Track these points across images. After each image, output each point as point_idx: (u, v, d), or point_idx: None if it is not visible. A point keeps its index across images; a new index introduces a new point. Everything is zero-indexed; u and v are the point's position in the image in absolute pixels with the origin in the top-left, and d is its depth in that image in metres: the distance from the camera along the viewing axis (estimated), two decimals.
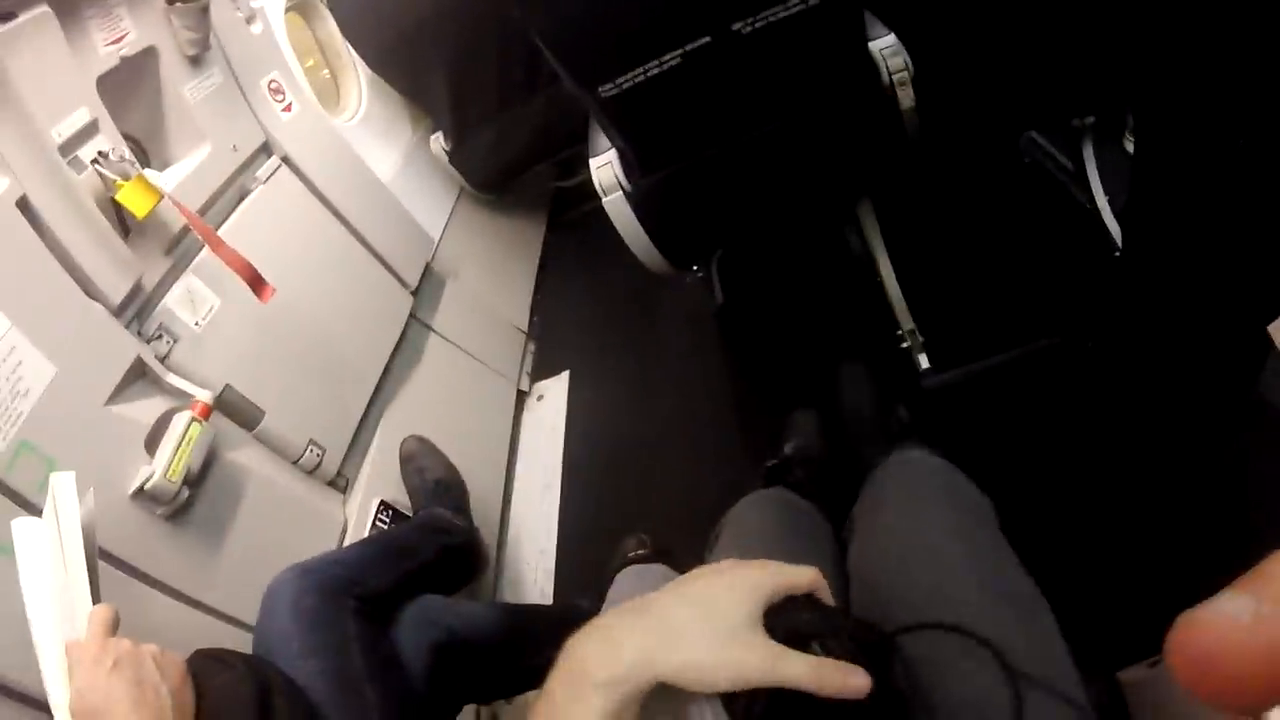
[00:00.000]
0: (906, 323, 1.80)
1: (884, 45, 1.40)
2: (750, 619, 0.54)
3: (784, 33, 1.26)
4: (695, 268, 2.25)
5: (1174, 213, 1.36)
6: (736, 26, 1.25)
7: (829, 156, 1.54)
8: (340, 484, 1.65)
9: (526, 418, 2.31)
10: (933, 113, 1.47)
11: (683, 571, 0.64)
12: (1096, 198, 1.88)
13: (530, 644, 1.46)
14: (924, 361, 1.77)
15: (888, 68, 1.40)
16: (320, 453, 1.59)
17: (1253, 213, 1.20)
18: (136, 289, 1.31)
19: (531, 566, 1.90)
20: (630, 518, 1.82)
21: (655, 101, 1.34)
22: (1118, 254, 1.65)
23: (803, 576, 0.59)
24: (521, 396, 2.35)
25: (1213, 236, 1.29)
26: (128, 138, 1.39)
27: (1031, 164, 2.12)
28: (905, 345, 1.79)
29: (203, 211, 1.50)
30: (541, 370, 2.46)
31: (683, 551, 1.12)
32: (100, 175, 1.23)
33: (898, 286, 1.83)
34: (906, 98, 1.42)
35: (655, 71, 1.28)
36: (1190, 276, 1.36)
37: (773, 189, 1.58)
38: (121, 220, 1.29)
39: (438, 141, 2.45)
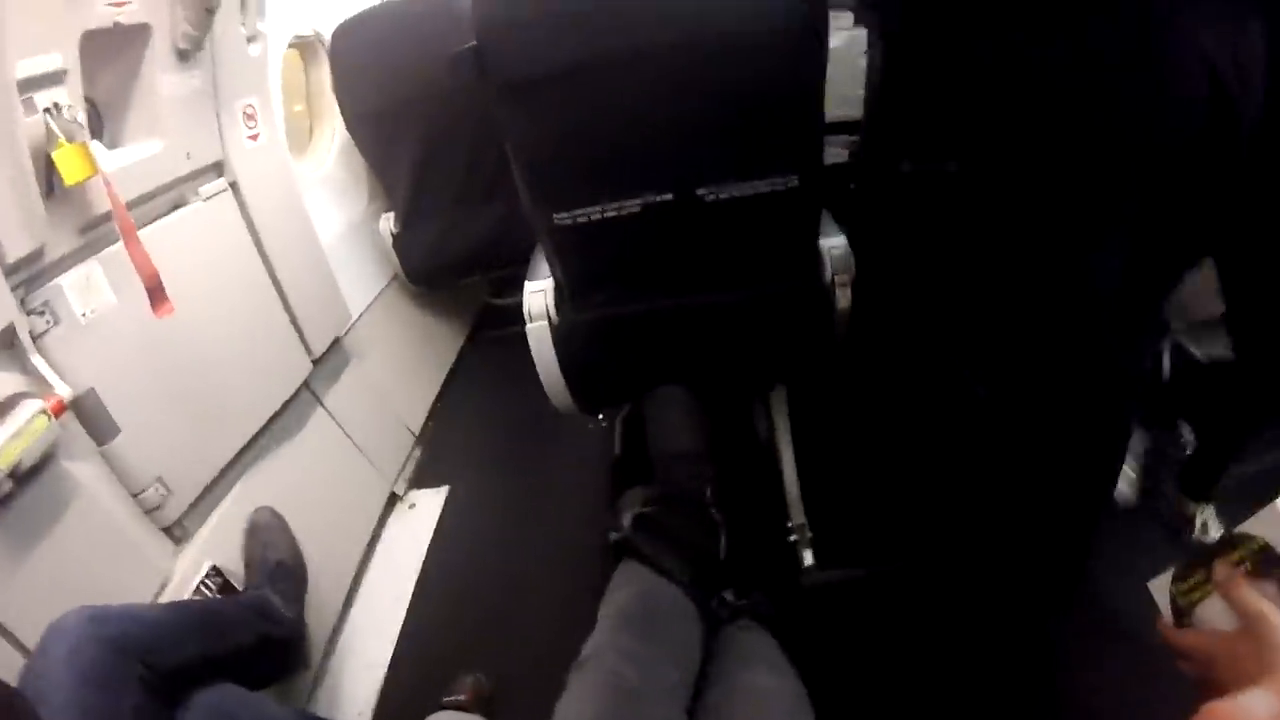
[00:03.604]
0: (798, 517, 1.80)
1: (833, 245, 1.47)
2: None
3: (743, 209, 1.31)
4: (600, 416, 2.22)
5: None
6: (701, 193, 1.29)
7: (756, 337, 1.56)
8: (176, 534, 1.46)
9: (392, 523, 2.15)
10: (866, 320, 1.53)
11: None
12: None
13: None
14: (809, 558, 1.76)
15: (832, 266, 1.46)
16: (165, 494, 1.41)
17: None
18: (37, 254, 1.18)
19: (355, 682, 1.70)
20: (476, 655, 1.68)
21: (604, 243, 1.35)
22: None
23: None
24: (393, 500, 2.20)
25: None
26: (89, 102, 1.29)
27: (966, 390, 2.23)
28: (793, 539, 1.79)
29: (132, 205, 1.39)
30: (421, 479, 2.33)
31: (524, 708, 1.05)
32: (47, 126, 1.12)
33: (796, 481, 1.84)
34: (844, 298, 1.47)
35: (612, 214, 1.30)
36: None
37: (694, 357, 1.59)
38: (49, 180, 1.18)
39: (387, 222, 2.41)
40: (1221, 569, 0.67)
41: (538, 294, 1.48)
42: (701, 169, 1.28)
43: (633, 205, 1.29)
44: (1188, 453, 1.77)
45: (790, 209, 1.35)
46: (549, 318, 1.48)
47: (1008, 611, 1.60)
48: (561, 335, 1.49)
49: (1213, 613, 0.68)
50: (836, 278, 1.47)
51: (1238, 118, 1.14)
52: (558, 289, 1.49)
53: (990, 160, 1.47)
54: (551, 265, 1.47)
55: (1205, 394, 1.71)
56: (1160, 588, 0.74)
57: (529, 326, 1.48)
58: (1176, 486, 1.72)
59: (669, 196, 1.29)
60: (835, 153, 1.86)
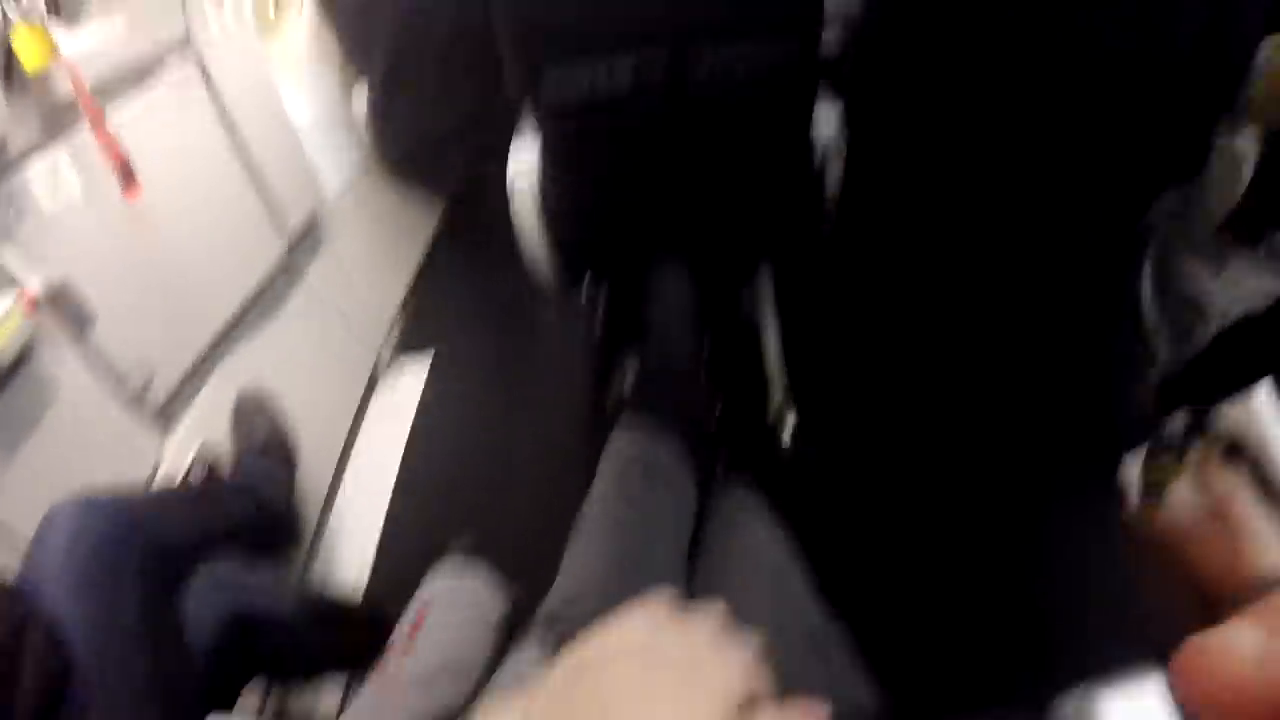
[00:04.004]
0: (777, 395, 1.86)
1: (826, 114, 1.46)
2: None
3: (738, 87, 1.29)
4: (583, 297, 2.24)
5: None
6: (694, 53, 1.26)
7: (746, 214, 1.57)
8: (163, 420, 1.50)
9: (377, 396, 2.21)
10: (856, 198, 1.54)
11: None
12: None
13: (331, 630, 1.37)
14: (788, 435, 1.83)
15: (824, 135, 1.46)
16: (148, 380, 1.45)
17: None
18: (0, 145, 1.16)
19: (348, 553, 1.79)
20: (467, 525, 1.74)
21: (592, 121, 1.34)
22: None
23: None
24: (377, 373, 2.25)
25: None
26: None
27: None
28: (772, 415, 1.85)
29: (98, 89, 1.35)
30: (405, 349, 2.38)
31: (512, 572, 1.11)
32: (3, 13, 1.08)
33: (779, 360, 1.88)
34: (835, 169, 1.49)
35: (602, 87, 1.27)
36: None
37: (682, 233, 1.60)
38: (8, 69, 1.15)
39: (360, 101, 2.34)
40: (1195, 451, 0.72)
41: (524, 156, 1.48)
42: (699, 25, 1.25)
43: (624, 69, 1.26)
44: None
45: (785, 85, 1.33)
46: (535, 179, 1.49)
47: (991, 497, 1.64)
48: (547, 207, 1.50)
49: (1181, 494, 0.72)
50: (827, 148, 1.47)
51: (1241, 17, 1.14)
52: (543, 162, 1.48)
53: (991, 70, 1.44)
54: (537, 141, 1.47)
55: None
56: (1131, 468, 0.79)
57: (513, 197, 1.49)
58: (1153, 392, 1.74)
59: (663, 54, 1.26)
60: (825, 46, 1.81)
